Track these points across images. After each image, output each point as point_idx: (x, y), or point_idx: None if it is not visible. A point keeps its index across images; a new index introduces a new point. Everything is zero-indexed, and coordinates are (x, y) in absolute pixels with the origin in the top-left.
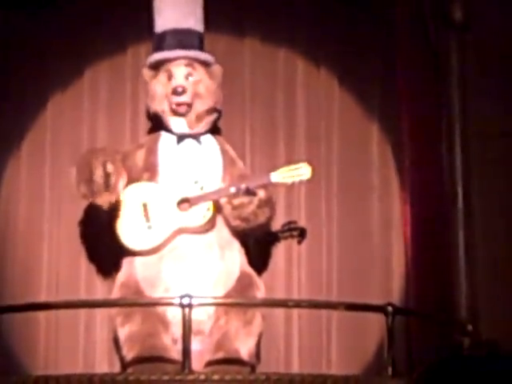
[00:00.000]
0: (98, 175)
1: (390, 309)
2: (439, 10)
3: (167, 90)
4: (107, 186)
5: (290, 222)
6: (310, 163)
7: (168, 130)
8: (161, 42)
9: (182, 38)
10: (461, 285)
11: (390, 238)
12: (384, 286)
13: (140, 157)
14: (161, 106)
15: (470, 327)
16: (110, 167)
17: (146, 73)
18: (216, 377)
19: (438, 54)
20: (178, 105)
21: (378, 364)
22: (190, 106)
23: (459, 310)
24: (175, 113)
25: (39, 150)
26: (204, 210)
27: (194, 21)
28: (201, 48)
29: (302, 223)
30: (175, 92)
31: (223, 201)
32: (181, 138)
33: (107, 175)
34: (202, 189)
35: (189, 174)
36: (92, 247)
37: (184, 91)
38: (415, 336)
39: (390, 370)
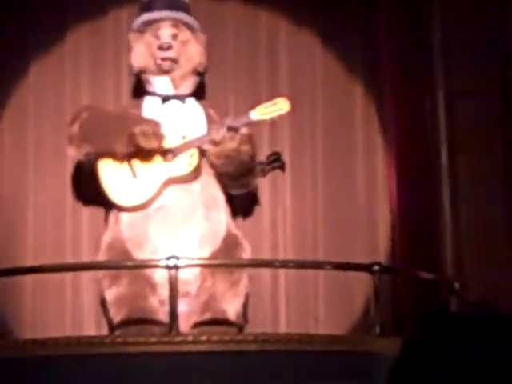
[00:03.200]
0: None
1: (376, 268)
2: None
3: (152, 49)
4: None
5: (276, 153)
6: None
7: (152, 94)
8: (147, 5)
9: (169, 1)
10: (446, 243)
11: (375, 197)
12: (370, 245)
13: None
14: (145, 63)
15: (456, 285)
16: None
17: (132, 36)
18: (203, 338)
19: (421, 12)
20: (163, 59)
21: (365, 323)
22: (175, 61)
23: (445, 269)
24: (160, 69)
25: (22, 115)
26: (189, 158)
27: None
28: (187, 13)
29: (287, 184)
30: (161, 48)
31: (206, 145)
32: (165, 99)
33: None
34: (184, 138)
35: (173, 129)
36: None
37: (170, 47)
38: (402, 295)
39: (377, 328)
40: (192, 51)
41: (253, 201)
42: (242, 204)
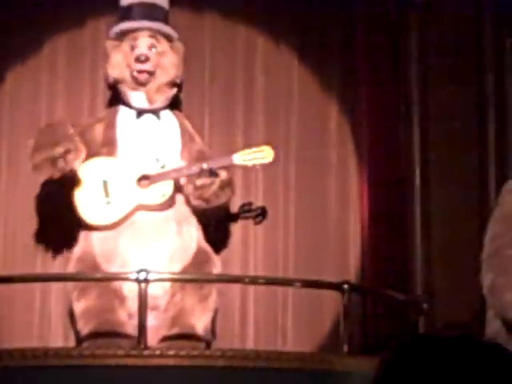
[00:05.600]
0: (58, 152)
1: (345, 286)
2: None
3: (129, 60)
4: (65, 161)
5: (249, 203)
6: (269, 140)
7: (127, 105)
8: (126, 13)
9: (148, 11)
10: (416, 264)
11: (347, 216)
12: (340, 264)
13: (99, 131)
14: (121, 74)
15: (425, 306)
16: (71, 146)
17: (109, 43)
18: (171, 352)
19: (398, 34)
20: (140, 72)
21: (333, 341)
22: (151, 74)
23: (415, 289)
24: (136, 81)
25: None
26: (164, 188)
27: None
28: (165, 22)
29: (259, 201)
30: (138, 59)
31: (184, 180)
32: (140, 112)
33: (66, 152)
34: (163, 167)
35: (148, 149)
36: (48, 221)
37: (147, 59)
38: (371, 315)
39: (345, 347)
40: (168, 63)
41: (224, 218)
42: (213, 221)
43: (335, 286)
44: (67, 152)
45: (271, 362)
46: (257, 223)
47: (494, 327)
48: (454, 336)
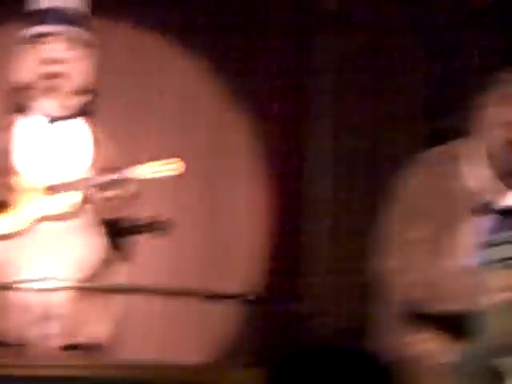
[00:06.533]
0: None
1: (246, 298)
2: None
3: (39, 64)
4: None
5: (155, 216)
6: (178, 150)
7: (35, 111)
8: (42, 16)
9: (64, 15)
10: (310, 276)
11: (252, 228)
12: (243, 276)
13: (2, 139)
14: (29, 80)
15: (322, 318)
16: None
17: (19, 48)
18: (72, 362)
19: (309, 41)
20: (49, 76)
21: (233, 353)
22: (61, 81)
23: (307, 301)
24: (45, 86)
25: None
26: (70, 198)
27: (78, 2)
28: (82, 27)
29: (166, 213)
30: (47, 63)
31: (91, 191)
32: (48, 120)
33: None
34: (68, 176)
35: (56, 158)
36: None
37: (57, 64)
38: (266, 327)
39: (243, 359)
40: (81, 70)
41: (131, 229)
42: (119, 232)
43: (236, 298)
44: None
45: (161, 373)
46: (162, 236)
47: (385, 313)
48: (335, 347)
